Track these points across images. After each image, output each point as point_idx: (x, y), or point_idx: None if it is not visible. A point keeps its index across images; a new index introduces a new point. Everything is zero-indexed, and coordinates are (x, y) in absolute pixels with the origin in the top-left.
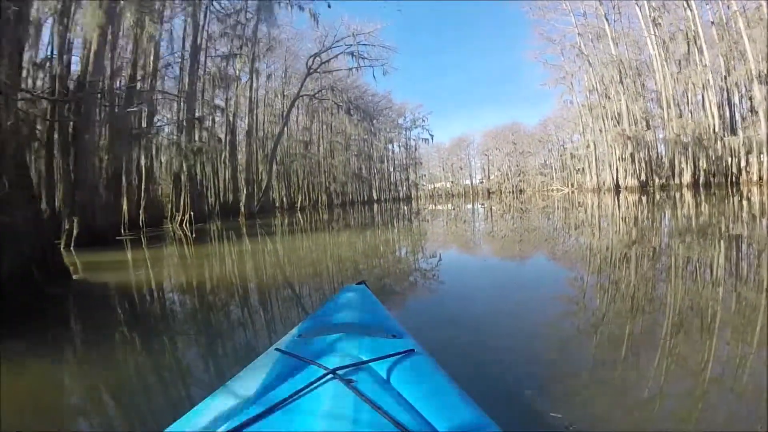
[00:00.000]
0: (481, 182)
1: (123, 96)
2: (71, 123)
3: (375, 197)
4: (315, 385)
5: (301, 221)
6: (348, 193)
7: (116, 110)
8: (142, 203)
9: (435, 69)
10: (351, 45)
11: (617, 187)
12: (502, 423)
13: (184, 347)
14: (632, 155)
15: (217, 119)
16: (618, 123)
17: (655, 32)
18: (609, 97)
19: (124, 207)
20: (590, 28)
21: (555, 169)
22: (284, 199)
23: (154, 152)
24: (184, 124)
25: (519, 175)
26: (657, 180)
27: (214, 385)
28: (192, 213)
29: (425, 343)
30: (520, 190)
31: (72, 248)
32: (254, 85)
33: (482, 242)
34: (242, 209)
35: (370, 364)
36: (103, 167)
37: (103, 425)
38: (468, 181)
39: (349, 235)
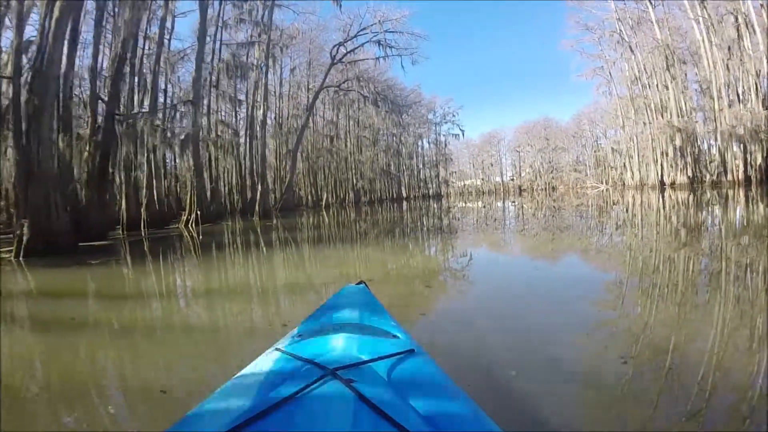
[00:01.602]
0: (512, 179)
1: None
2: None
3: (404, 194)
4: (315, 385)
5: (326, 221)
6: (376, 190)
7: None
8: (144, 200)
9: (463, 62)
10: (377, 33)
11: (662, 183)
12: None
13: None
14: (681, 149)
15: (240, 114)
16: (662, 115)
17: (702, 14)
18: (655, 86)
19: (123, 205)
20: (630, 13)
21: (589, 166)
22: (309, 197)
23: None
24: (178, 108)
25: (551, 171)
26: (708, 176)
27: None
28: (198, 212)
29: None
30: (553, 188)
31: (21, 259)
32: (271, 72)
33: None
34: (257, 208)
35: (370, 364)
36: (84, 160)
37: None
38: (498, 179)
39: (382, 248)
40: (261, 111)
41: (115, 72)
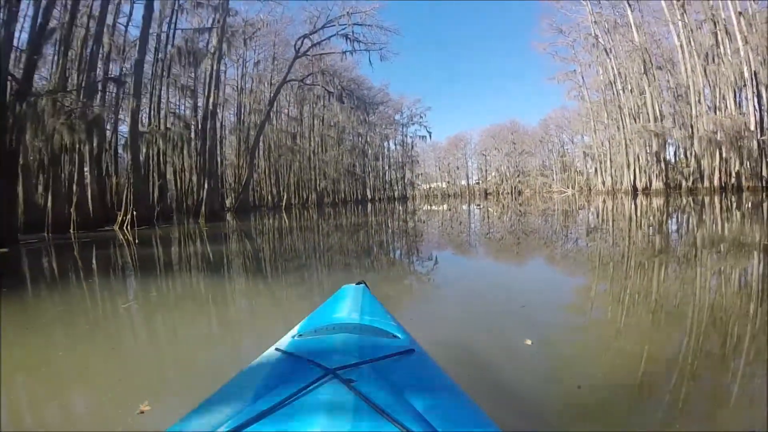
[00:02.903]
0: (478, 183)
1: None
2: None
3: (369, 196)
4: (315, 385)
5: (280, 225)
6: (340, 191)
7: None
8: (74, 198)
9: (431, 62)
10: (345, 26)
11: (635, 189)
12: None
13: None
14: (657, 154)
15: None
16: (635, 119)
17: (681, 19)
18: (629, 91)
19: (49, 203)
20: (606, 17)
21: (555, 171)
22: (270, 197)
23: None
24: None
25: (518, 176)
26: (684, 183)
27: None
28: (134, 213)
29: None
30: (519, 192)
31: None
32: (233, 66)
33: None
34: (203, 209)
35: (370, 364)
36: None
37: None
38: (464, 182)
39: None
40: (211, 100)
41: (32, 45)
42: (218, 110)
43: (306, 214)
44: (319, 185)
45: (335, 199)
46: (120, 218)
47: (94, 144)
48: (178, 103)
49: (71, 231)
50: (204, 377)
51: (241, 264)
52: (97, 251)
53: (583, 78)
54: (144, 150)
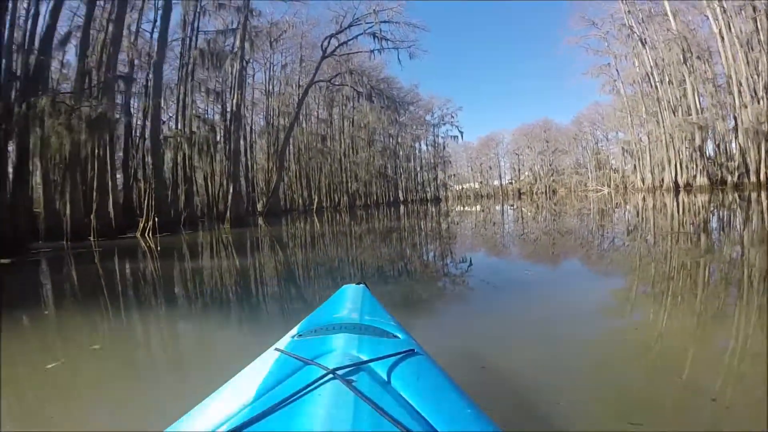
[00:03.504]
0: (511, 182)
1: None
2: None
3: (401, 198)
4: (315, 385)
5: (310, 231)
6: (372, 193)
7: None
8: (95, 205)
9: (461, 62)
10: (372, 24)
11: (676, 186)
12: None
13: None
14: (700, 148)
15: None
16: (674, 112)
17: (720, 5)
18: (667, 83)
19: (68, 211)
20: (640, 7)
21: (590, 169)
22: (301, 201)
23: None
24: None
25: (551, 174)
26: (729, 178)
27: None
28: (156, 219)
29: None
30: (553, 191)
31: None
32: (261, 69)
33: None
34: (228, 214)
35: (370, 364)
36: None
37: None
38: (497, 182)
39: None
40: (234, 100)
41: (41, 44)
42: (243, 112)
43: (338, 218)
44: (351, 187)
45: (367, 202)
46: (141, 225)
47: (116, 148)
48: (206, 108)
49: (91, 239)
50: None
51: (242, 289)
52: (100, 264)
53: (617, 71)
54: (169, 155)
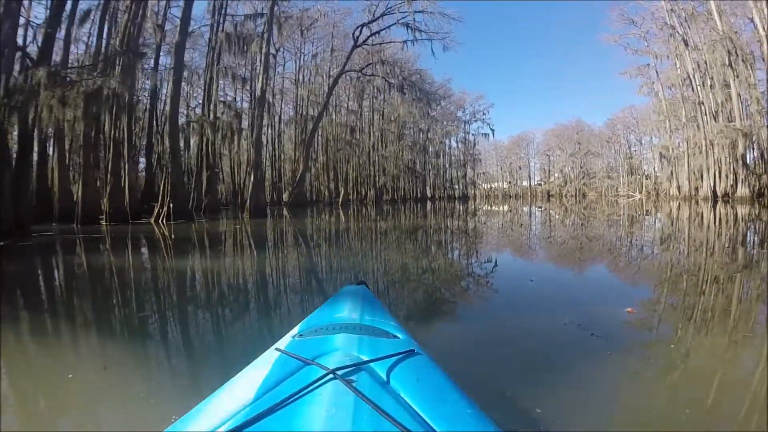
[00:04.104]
0: (540, 184)
1: None
2: None
3: (429, 194)
4: (315, 385)
5: (333, 225)
6: (399, 188)
7: None
8: (108, 188)
9: (493, 60)
10: (405, 14)
11: (714, 195)
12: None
13: None
14: (743, 156)
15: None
16: (715, 118)
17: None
18: (709, 86)
19: (79, 192)
20: (682, 6)
21: (622, 174)
22: (327, 192)
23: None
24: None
25: (582, 177)
26: None
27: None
28: (171, 205)
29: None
30: (583, 195)
31: None
32: (291, 58)
33: None
34: (248, 203)
35: (370, 364)
36: None
37: None
38: (526, 183)
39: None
40: (259, 84)
41: (49, 17)
42: (272, 100)
43: (363, 211)
44: (378, 181)
45: (394, 197)
46: (157, 210)
47: (139, 131)
48: (235, 96)
49: (104, 222)
50: None
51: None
52: (87, 254)
53: (657, 72)
54: (194, 140)
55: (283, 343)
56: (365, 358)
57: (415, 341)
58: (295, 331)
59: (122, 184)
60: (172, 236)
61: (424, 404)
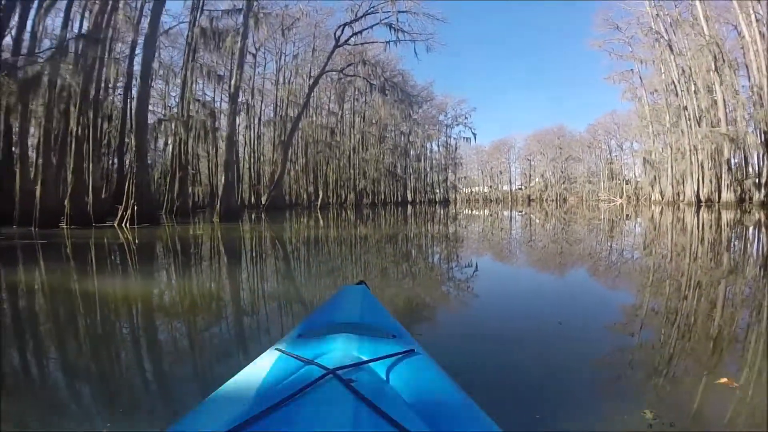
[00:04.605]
0: (521, 188)
1: None
2: None
3: (410, 198)
4: (315, 385)
5: (311, 227)
6: (380, 191)
7: None
8: (69, 187)
9: (475, 65)
10: (389, 14)
11: (698, 200)
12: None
13: None
14: (728, 161)
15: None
16: (699, 123)
17: (755, 9)
18: (693, 92)
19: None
20: (667, 12)
21: (602, 179)
22: (305, 195)
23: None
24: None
25: (563, 182)
26: (756, 195)
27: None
28: (135, 208)
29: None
30: (564, 199)
31: None
32: (273, 59)
33: None
34: (218, 206)
35: (370, 364)
36: None
37: None
38: (507, 187)
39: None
40: (233, 81)
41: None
42: (247, 97)
43: (343, 215)
44: (358, 185)
45: (374, 200)
46: (120, 213)
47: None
48: (213, 95)
49: (64, 226)
50: None
51: None
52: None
53: (641, 78)
54: (164, 140)
55: (283, 343)
56: (365, 358)
57: (415, 341)
58: (294, 331)
59: (86, 185)
60: (124, 243)
61: (424, 404)
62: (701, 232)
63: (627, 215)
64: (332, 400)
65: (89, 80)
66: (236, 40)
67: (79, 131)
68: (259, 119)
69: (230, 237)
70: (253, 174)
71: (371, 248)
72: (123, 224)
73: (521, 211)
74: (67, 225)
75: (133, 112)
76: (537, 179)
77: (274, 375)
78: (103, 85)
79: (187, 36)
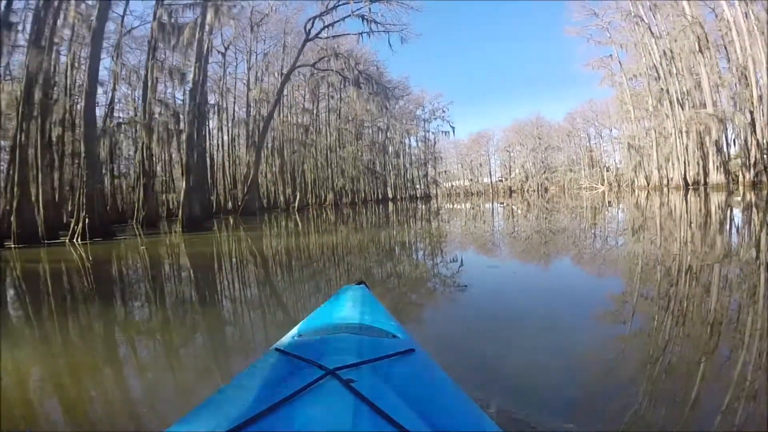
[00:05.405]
0: (501, 180)
1: None
2: None
3: (390, 195)
4: (315, 385)
5: (288, 235)
6: (359, 190)
7: None
8: (14, 201)
9: (452, 57)
10: (361, 4)
11: (686, 183)
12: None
13: None
14: (716, 143)
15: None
16: (681, 105)
17: None
18: (674, 74)
19: None
20: None
21: (583, 166)
22: (282, 197)
23: None
24: None
25: (544, 172)
26: (746, 175)
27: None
28: (86, 221)
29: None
30: (545, 189)
31: None
32: (242, 55)
33: None
34: (180, 214)
35: (370, 364)
36: None
37: None
38: (487, 179)
39: None
40: (192, 77)
41: None
42: (218, 99)
43: (323, 216)
44: (337, 184)
45: (354, 199)
46: (72, 228)
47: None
48: (180, 96)
49: (11, 244)
50: None
51: None
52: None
53: (620, 63)
54: (124, 144)
55: (283, 343)
56: (365, 358)
57: (415, 341)
58: (294, 331)
59: (28, 198)
60: (90, 260)
61: (423, 404)
62: (708, 218)
63: (611, 202)
64: (332, 400)
65: (33, 81)
66: (194, 32)
67: (22, 138)
68: (233, 121)
69: (189, 253)
70: (228, 178)
71: (356, 255)
72: (74, 239)
73: (503, 203)
74: (14, 244)
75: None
76: (517, 170)
77: (274, 375)
78: (57, 87)
79: (151, 34)
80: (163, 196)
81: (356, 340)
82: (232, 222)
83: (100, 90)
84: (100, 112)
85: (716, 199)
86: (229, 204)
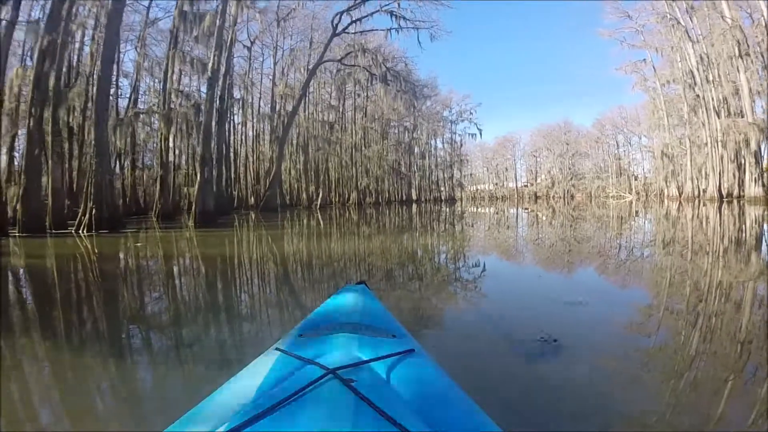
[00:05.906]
0: (527, 185)
1: None
2: None
3: (414, 197)
4: (315, 385)
5: (302, 237)
6: (383, 190)
7: None
8: (19, 190)
9: (480, 59)
10: (390, 0)
11: (721, 195)
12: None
13: None
14: (756, 154)
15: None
16: (718, 114)
17: None
18: (711, 81)
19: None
20: None
21: (611, 174)
22: (305, 195)
23: None
24: None
25: (571, 178)
26: None
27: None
28: (94, 211)
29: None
30: (572, 196)
31: None
32: (268, 50)
33: None
34: (194, 208)
35: (370, 364)
36: None
37: None
38: (512, 184)
39: None
40: (211, 65)
41: None
42: (242, 93)
43: (346, 215)
44: (361, 183)
45: (378, 199)
46: (78, 218)
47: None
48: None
49: (17, 232)
50: None
51: None
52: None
53: (654, 68)
54: (142, 135)
55: (283, 342)
56: (365, 358)
57: (415, 341)
58: (295, 330)
59: (37, 186)
60: (97, 253)
61: (424, 404)
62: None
63: (638, 211)
64: (332, 400)
65: (43, 66)
66: (215, 20)
67: (32, 124)
68: (257, 116)
69: (170, 254)
70: (251, 173)
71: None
72: (81, 230)
73: (527, 209)
74: (19, 232)
75: (94, 102)
76: (543, 176)
77: (275, 375)
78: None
79: (173, 25)
80: (185, 189)
81: (356, 339)
82: (253, 217)
83: (125, 82)
84: (123, 103)
85: (753, 212)
86: (252, 199)
